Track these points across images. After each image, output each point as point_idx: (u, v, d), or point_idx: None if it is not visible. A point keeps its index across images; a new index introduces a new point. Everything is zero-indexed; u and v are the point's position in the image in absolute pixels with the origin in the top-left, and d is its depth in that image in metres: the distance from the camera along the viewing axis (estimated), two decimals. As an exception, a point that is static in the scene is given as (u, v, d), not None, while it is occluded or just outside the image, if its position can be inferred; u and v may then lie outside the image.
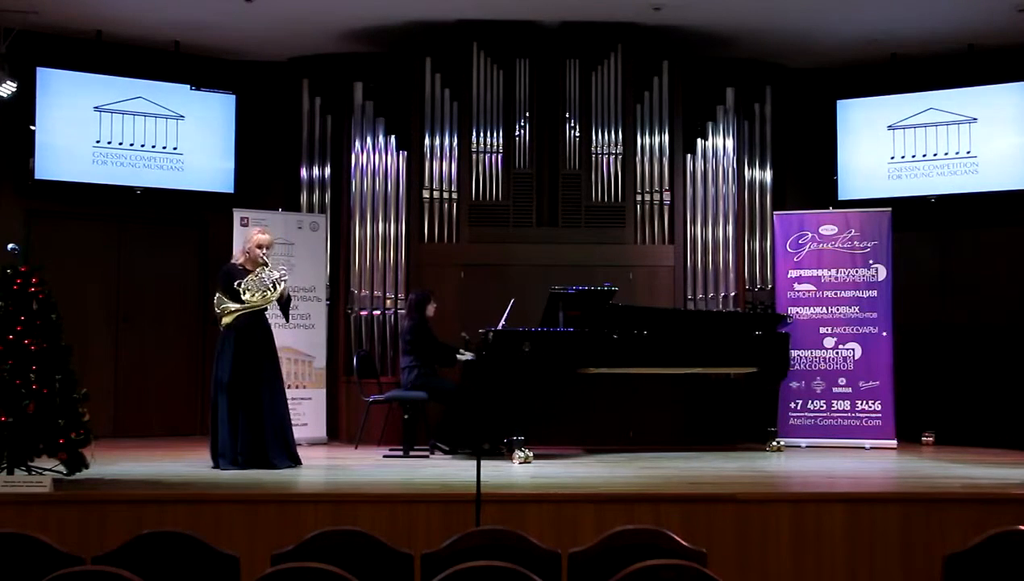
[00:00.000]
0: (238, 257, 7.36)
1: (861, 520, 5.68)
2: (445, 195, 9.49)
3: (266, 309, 7.27)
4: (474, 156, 9.50)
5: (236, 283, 7.12)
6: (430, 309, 8.49)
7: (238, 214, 9.23)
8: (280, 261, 8.35)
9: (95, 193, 9.71)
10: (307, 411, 9.20)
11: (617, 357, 8.16)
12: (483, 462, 5.41)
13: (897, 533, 5.67)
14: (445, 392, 8.41)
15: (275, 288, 7.16)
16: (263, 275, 7.18)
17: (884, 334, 9.19)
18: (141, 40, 9.79)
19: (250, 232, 7.52)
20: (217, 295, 7.20)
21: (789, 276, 9.45)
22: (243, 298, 7.09)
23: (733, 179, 9.82)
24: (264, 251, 7.25)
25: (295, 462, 7.18)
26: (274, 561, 3.33)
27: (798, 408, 9.29)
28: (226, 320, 7.10)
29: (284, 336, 8.27)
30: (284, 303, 7.31)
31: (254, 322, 7.18)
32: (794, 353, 8.97)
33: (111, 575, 2.91)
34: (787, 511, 5.69)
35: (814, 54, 10.17)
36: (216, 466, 7.07)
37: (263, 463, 7.00)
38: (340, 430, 9.53)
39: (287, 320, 7.65)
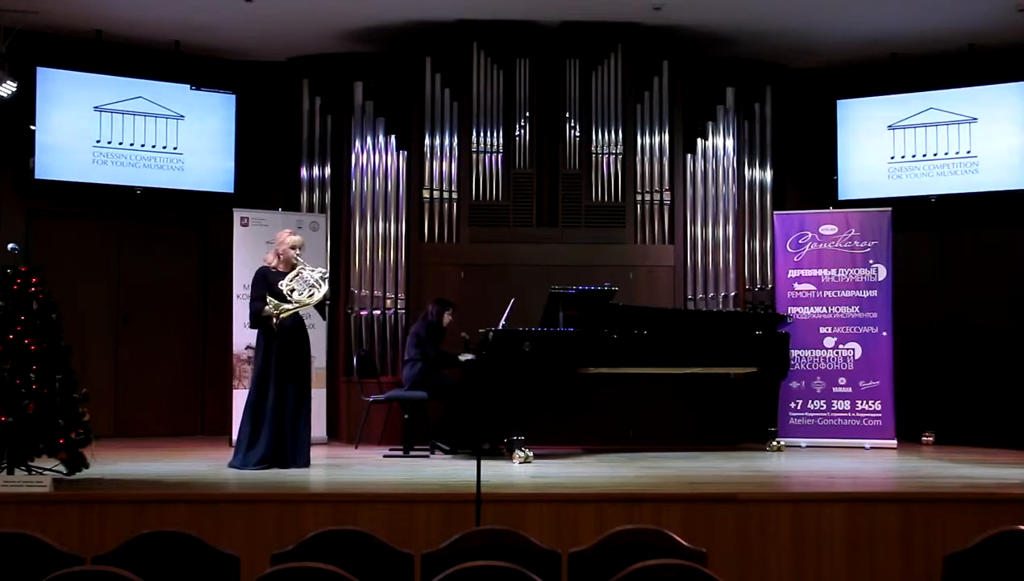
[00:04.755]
0: (271, 260, 7.37)
1: (861, 520, 5.68)
2: (445, 195, 9.49)
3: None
4: (474, 156, 9.50)
5: (280, 284, 7.17)
6: (446, 316, 8.51)
7: (238, 214, 9.24)
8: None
9: (95, 193, 9.71)
10: (307, 411, 9.20)
11: (617, 357, 8.15)
12: (483, 462, 5.41)
13: (897, 533, 5.67)
14: (446, 390, 8.43)
15: (320, 286, 7.20)
16: (304, 274, 7.22)
17: (884, 334, 9.19)
18: (141, 40, 9.79)
19: (279, 234, 7.52)
20: (269, 301, 7.12)
21: (789, 276, 9.46)
22: (292, 298, 7.14)
23: (733, 179, 9.82)
24: (297, 252, 7.29)
25: (308, 463, 7.23)
26: (274, 561, 3.33)
27: (798, 408, 9.29)
28: (284, 316, 7.12)
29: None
30: (321, 302, 7.34)
31: (297, 322, 7.26)
32: (794, 353, 8.97)
33: (111, 575, 2.91)
34: (787, 511, 5.69)
35: (814, 54, 10.16)
36: (239, 465, 7.05)
37: (281, 462, 7.07)
38: (340, 430, 9.54)
39: (324, 318, 7.64)
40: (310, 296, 7.17)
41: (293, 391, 7.16)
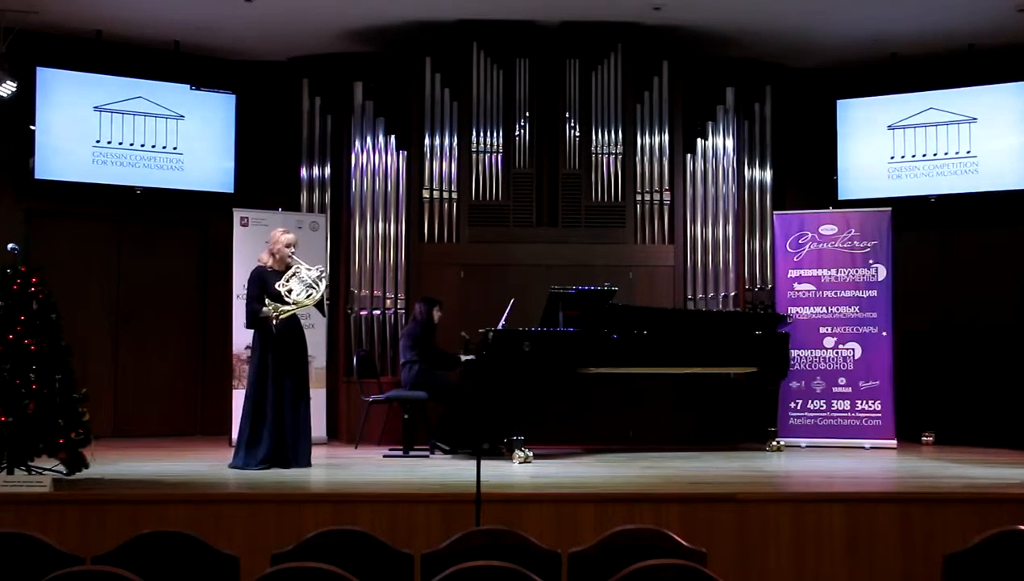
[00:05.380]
0: (265, 260, 7.34)
1: (861, 520, 5.67)
2: (445, 195, 9.49)
3: None
4: (474, 156, 9.50)
5: (277, 285, 7.14)
6: (436, 313, 8.52)
7: (238, 214, 9.23)
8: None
9: (95, 193, 9.72)
10: (307, 411, 9.19)
11: (617, 357, 8.15)
12: (483, 462, 5.41)
13: (897, 533, 5.66)
14: (445, 390, 8.42)
15: (318, 286, 7.19)
16: (302, 274, 7.20)
17: (884, 334, 9.18)
18: (141, 40, 9.79)
19: (273, 233, 7.50)
20: (268, 303, 7.12)
21: (789, 276, 9.45)
22: (291, 299, 7.12)
23: (733, 179, 9.82)
24: (292, 250, 7.28)
25: (309, 462, 7.23)
26: (274, 561, 3.33)
27: (798, 408, 9.29)
28: (284, 317, 7.11)
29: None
30: (320, 300, 7.35)
31: (294, 322, 7.24)
32: (794, 353, 8.97)
33: (111, 575, 2.91)
34: (787, 511, 5.69)
35: (814, 54, 10.17)
36: (241, 466, 7.04)
37: (307, 461, 7.13)
38: (340, 430, 9.54)
39: (324, 315, 7.66)
40: (308, 297, 7.16)
41: (291, 391, 7.14)
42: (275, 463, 7.04)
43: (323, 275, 7.30)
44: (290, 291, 7.13)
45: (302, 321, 7.52)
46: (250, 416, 7.13)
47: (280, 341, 7.15)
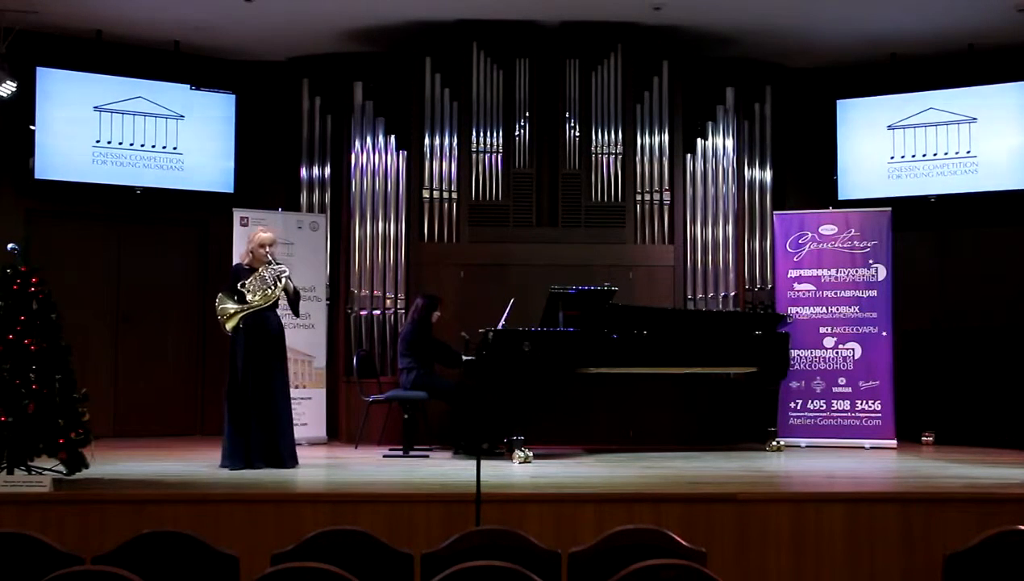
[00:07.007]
0: (244, 257, 7.34)
1: (861, 520, 5.68)
2: (445, 195, 9.49)
3: (275, 307, 7.26)
4: (474, 156, 9.50)
5: (240, 284, 7.13)
6: (435, 315, 8.50)
7: (238, 214, 9.23)
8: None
9: (95, 193, 9.72)
10: (307, 411, 9.19)
11: (617, 357, 8.15)
12: (483, 462, 5.41)
13: (897, 533, 5.66)
14: (445, 391, 8.42)
15: (276, 285, 7.15)
16: (264, 274, 7.17)
17: (884, 334, 9.19)
18: (141, 40, 9.79)
19: (252, 231, 7.47)
20: (219, 297, 7.16)
21: (789, 276, 9.45)
22: (247, 299, 7.10)
23: (733, 179, 9.82)
24: (268, 249, 7.23)
25: (296, 463, 7.19)
26: (274, 561, 3.33)
27: (798, 408, 9.29)
28: (230, 325, 7.09)
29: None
30: (293, 299, 7.28)
31: (263, 322, 7.17)
32: (794, 353, 8.97)
33: (111, 575, 2.91)
34: (787, 511, 5.69)
35: (814, 54, 10.17)
36: (226, 467, 7.02)
37: (276, 462, 7.03)
38: (340, 430, 9.54)
39: (297, 315, 7.67)
40: (263, 296, 7.10)
41: (258, 391, 7.06)
42: (245, 465, 6.97)
43: (283, 275, 7.20)
44: (247, 292, 7.11)
45: (303, 319, 7.49)
46: (226, 420, 7.11)
47: (250, 340, 7.09)
